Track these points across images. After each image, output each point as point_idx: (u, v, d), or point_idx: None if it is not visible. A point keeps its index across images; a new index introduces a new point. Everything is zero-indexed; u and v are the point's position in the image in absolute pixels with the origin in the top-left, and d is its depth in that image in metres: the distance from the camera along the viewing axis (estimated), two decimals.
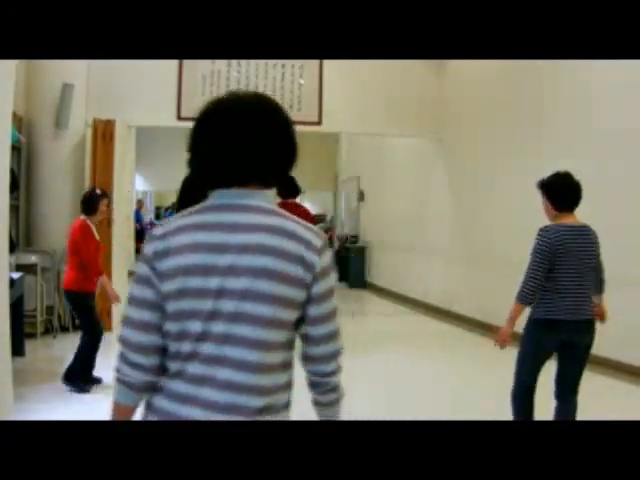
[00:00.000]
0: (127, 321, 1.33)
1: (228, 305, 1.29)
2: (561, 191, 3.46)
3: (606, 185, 5.91)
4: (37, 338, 6.48)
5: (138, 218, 14.64)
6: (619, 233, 5.73)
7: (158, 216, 20.01)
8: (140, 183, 15.79)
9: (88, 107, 7.38)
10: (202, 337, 1.28)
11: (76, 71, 7.22)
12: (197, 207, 1.37)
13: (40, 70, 7.12)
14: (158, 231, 1.34)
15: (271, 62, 7.97)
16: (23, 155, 7.12)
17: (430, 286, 9.68)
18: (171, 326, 1.30)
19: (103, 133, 7.19)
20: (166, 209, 20.61)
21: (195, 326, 1.28)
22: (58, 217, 7.13)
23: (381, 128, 8.86)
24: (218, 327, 1.29)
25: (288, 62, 7.99)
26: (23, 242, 7.21)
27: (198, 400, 1.27)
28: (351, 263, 12.41)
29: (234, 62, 7.94)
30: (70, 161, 7.26)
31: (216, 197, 1.36)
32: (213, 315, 1.28)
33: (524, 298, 3.32)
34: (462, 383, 5.43)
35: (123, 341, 1.33)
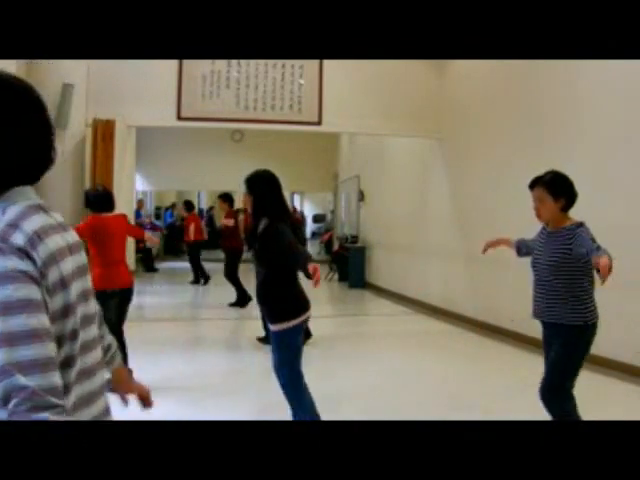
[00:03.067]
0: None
1: (93, 304, 1.33)
2: (574, 189, 3.35)
3: (606, 185, 5.91)
4: None
5: (138, 218, 14.65)
6: (619, 234, 5.73)
7: (158, 216, 20.05)
8: (140, 183, 15.78)
9: (88, 107, 7.38)
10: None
11: (76, 71, 7.23)
12: (28, 204, 1.23)
13: (40, 70, 7.13)
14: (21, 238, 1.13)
15: (271, 62, 7.98)
16: None
17: (430, 286, 9.68)
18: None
19: (103, 133, 7.20)
20: (166, 209, 20.64)
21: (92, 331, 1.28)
22: None
23: (381, 128, 8.86)
24: (93, 330, 1.31)
25: (288, 62, 7.99)
26: None
27: None
28: (351, 263, 12.42)
29: (234, 62, 7.95)
30: (70, 161, 7.27)
31: (28, 195, 1.26)
32: (92, 318, 1.31)
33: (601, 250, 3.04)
34: (462, 383, 5.43)
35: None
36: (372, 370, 5.86)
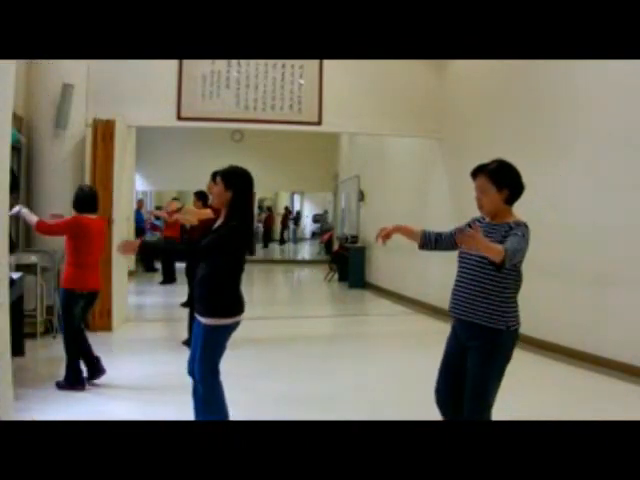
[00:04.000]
0: None
1: None
2: (520, 180, 3.01)
3: (605, 184, 5.91)
4: (37, 338, 6.48)
5: (139, 218, 14.66)
6: (617, 233, 5.73)
7: (158, 216, 20.03)
8: (140, 183, 15.79)
9: (88, 107, 7.38)
10: None
11: (76, 71, 7.23)
12: None
13: (40, 70, 7.12)
14: None
15: (271, 62, 7.98)
16: (23, 155, 7.12)
17: (430, 286, 9.69)
18: None
19: (103, 133, 7.19)
20: None
21: None
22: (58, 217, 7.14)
23: (381, 128, 8.86)
24: None
25: (288, 62, 8.00)
26: (23, 242, 7.21)
27: None
28: (351, 263, 12.42)
29: (234, 62, 7.95)
30: (70, 161, 7.26)
31: None
32: None
33: (509, 261, 2.72)
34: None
35: None
36: (372, 370, 5.86)
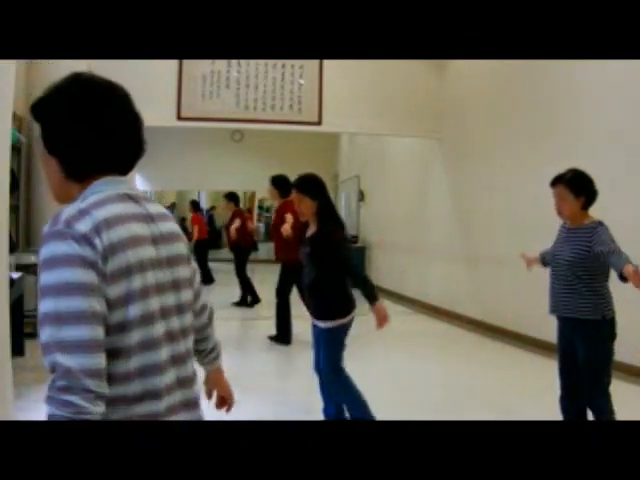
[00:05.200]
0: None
1: (184, 296, 1.32)
2: (594, 187, 3.41)
3: (605, 185, 5.90)
4: (37, 338, 6.49)
5: None
6: (617, 234, 5.72)
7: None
8: (140, 183, 15.78)
9: None
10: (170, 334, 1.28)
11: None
12: (112, 193, 1.27)
13: (40, 70, 7.12)
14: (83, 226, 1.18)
15: (271, 62, 7.98)
16: (23, 155, 7.12)
17: (430, 286, 9.68)
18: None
19: None
20: (166, 209, 20.62)
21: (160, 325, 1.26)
22: None
23: (381, 128, 8.87)
24: (178, 321, 1.30)
25: (288, 62, 8.00)
26: (23, 242, 7.21)
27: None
28: None
29: (234, 62, 7.95)
30: None
31: (117, 186, 1.31)
32: (179, 309, 1.30)
33: (613, 250, 3.26)
34: (462, 383, 5.43)
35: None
36: (372, 370, 5.86)
